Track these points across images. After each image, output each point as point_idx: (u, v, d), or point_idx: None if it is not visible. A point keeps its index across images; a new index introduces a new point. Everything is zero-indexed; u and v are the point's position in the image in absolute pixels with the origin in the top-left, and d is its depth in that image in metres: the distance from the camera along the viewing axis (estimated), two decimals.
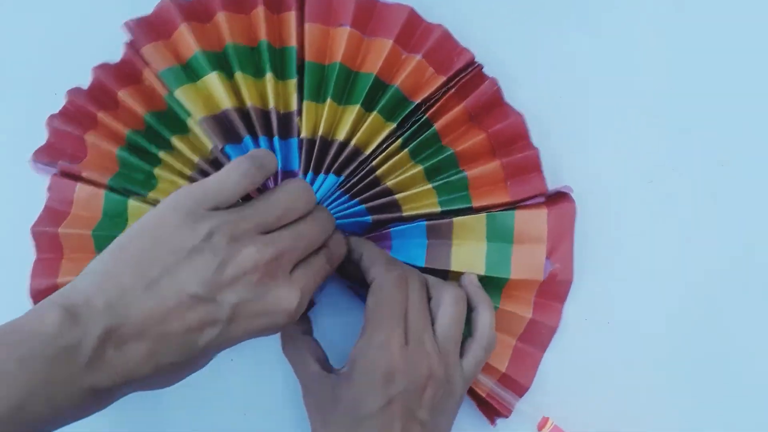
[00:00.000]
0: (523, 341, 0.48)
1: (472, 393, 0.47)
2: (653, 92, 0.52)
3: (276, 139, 0.47)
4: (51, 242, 0.47)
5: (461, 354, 0.43)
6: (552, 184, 0.49)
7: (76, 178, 0.48)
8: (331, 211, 0.47)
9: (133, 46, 0.49)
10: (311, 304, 0.46)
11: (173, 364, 0.35)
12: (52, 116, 0.49)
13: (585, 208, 0.50)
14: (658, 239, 0.50)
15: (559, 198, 0.48)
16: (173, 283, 0.34)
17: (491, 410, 0.47)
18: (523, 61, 0.52)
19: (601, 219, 0.50)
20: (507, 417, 0.47)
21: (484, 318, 0.44)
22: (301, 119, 0.47)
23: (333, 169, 0.46)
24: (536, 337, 0.48)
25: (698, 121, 0.52)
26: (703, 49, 0.53)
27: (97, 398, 0.34)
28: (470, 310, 0.45)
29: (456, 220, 0.47)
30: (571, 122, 0.52)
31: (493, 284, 0.47)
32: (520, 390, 0.48)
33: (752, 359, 0.49)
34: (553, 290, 0.48)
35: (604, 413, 0.49)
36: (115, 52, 0.50)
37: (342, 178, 0.47)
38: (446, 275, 0.47)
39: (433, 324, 0.42)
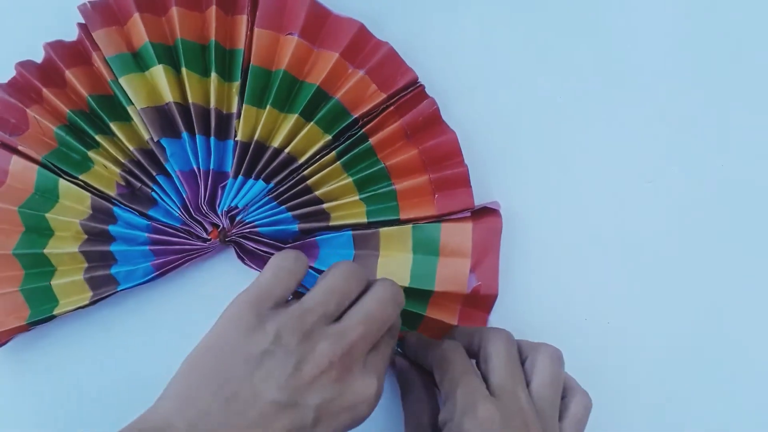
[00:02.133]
0: None
1: None
2: (651, 93, 0.54)
3: (213, 139, 0.48)
4: None
5: (560, 417, 0.41)
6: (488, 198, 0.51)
7: (13, 150, 0.48)
8: (257, 217, 0.48)
9: (85, 28, 0.50)
10: None
11: None
12: None
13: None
14: (657, 236, 0.52)
15: (486, 213, 0.50)
16: (251, 394, 0.33)
17: None
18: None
19: (601, 219, 0.52)
20: None
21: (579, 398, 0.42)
22: (239, 122, 0.48)
23: (263, 175, 0.48)
24: None
25: (698, 121, 0.53)
26: (703, 48, 0.54)
27: None
28: None
29: (383, 230, 0.49)
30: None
31: (418, 293, 0.49)
32: None
33: (747, 358, 0.51)
34: (478, 301, 0.50)
35: None
36: (73, 30, 0.51)
37: (271, 185, 0.48)
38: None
39: (528, 385, 0.40)
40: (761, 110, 0.54)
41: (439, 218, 0.49)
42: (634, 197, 0.53)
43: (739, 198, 0.53)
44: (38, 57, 0.51)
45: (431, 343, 0.44)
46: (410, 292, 0.49)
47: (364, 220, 0.49)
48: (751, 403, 0.51)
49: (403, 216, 0.49)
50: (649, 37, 0.54)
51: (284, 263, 0.38)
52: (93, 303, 0.48)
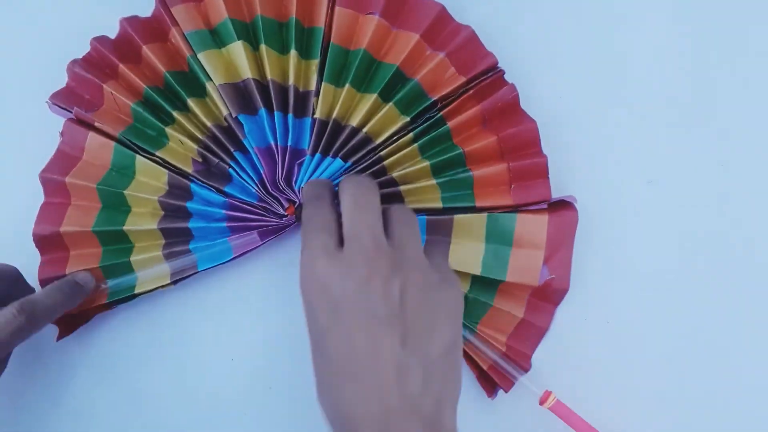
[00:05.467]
0: (513, 340, 0.48)
1: (473, 364, 0.48)
2: (654, 93, 0.52)
3: (290, 116, 0.47)
4: (59, 188, 0.48)
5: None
6: (559, 191, 0.49)
7: (89, 126, 0.48)
8: None
9: (164, 3, 0.50)
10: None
11: None
12: (74, 61, 0.50)
13: (589, 214, 0.50)
14: (658, 239, 0.51)
15: (562, 206, 0.48)
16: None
17: (491, 383, 0.48)
18: (541, 66, 0.53)
19: (602, 218, 0.51)
20: (506, 391, 0.48)
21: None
22: (317, 100, 0.48)
23: (341, 153, 0.47)
24: (525, 338, 0.49)
25: (698, 121, 0.52)
26: (704, 49, 0.53)
27: None
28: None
29: (457, 217, 0.47)
30: (585, 132, 0.52)
31: (488, 282, 0.48)
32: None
33: (750, 357, 0.50)
34: (547, 294, 0.49)
35: (605, 391, 0.49)
36: (147, 6, 0.51)
37: (349, 164, 0.47)
38: None
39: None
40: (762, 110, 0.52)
41: (514, 208, 0.48)
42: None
43: None
44: (111, 32, 0.50)
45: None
46: (480, 281, 0.48)
47: (440, 205, 0.48)
48: (753, 405, 0.49)
49: (478, 204, 0.48)
50: None
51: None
52: (174, 283, 0.48)
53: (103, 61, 0.50)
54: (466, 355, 0.48)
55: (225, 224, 0.47)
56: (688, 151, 0.52)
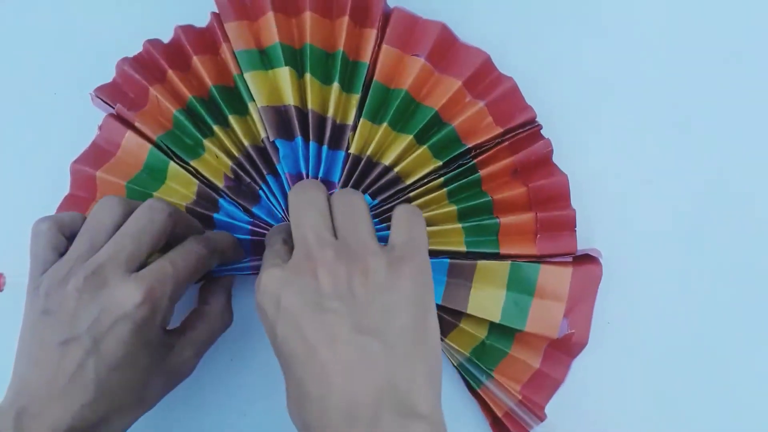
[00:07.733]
0: (527, 389, 0.48)
1: (487, 410, 0.48)
2: (655, 94, 0.53)
3: (325, 147, 0.48)
4: (87, 182, 0.49)
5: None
6: (585, 246, 0.50)
7: (129, 125, 0.49)
8: None
9: (219, 18, 0.51)
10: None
11: (85, 404, 0.37)
12: (124, 59, 0.51)
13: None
14: (659, 239, 0.51)
15: (586, 260, 0.49)
16: (44, 349, 0.37)
17: (504, 431, 0.48)
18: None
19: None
20: None
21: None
22: (353, 135, 0.48)
23: (371, 191, 0.48)
24: (539, 388, 0.49)
25: (699, 122, 0.53)
26: (704, 49, 0.53)
27: None
28: None
29: (480, 263, 0.48)
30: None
31: (506, 330, 0.48)
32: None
33: (754, 363, 0.50)
34: (565, 347, 0.49)
35: None
36: (203, 16, 0.52)
37: (377, 201, 0.48)
38: (460, 316, 0.49)
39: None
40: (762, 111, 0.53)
41: (539, 259, 0.48)
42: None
43: None
44: (164, 37, 0.52)
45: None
46: (498, 328, 0.48)
47: (463, 249, 0.48)
48: (754, 406, 0.50)
49: (502, 251, 0.48)
50: None
51: (34, 241, 0.41)
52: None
53: (153, 64, 0.51)
54: (481, 401, 0.48)
55: (248, 238, 0.48)
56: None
